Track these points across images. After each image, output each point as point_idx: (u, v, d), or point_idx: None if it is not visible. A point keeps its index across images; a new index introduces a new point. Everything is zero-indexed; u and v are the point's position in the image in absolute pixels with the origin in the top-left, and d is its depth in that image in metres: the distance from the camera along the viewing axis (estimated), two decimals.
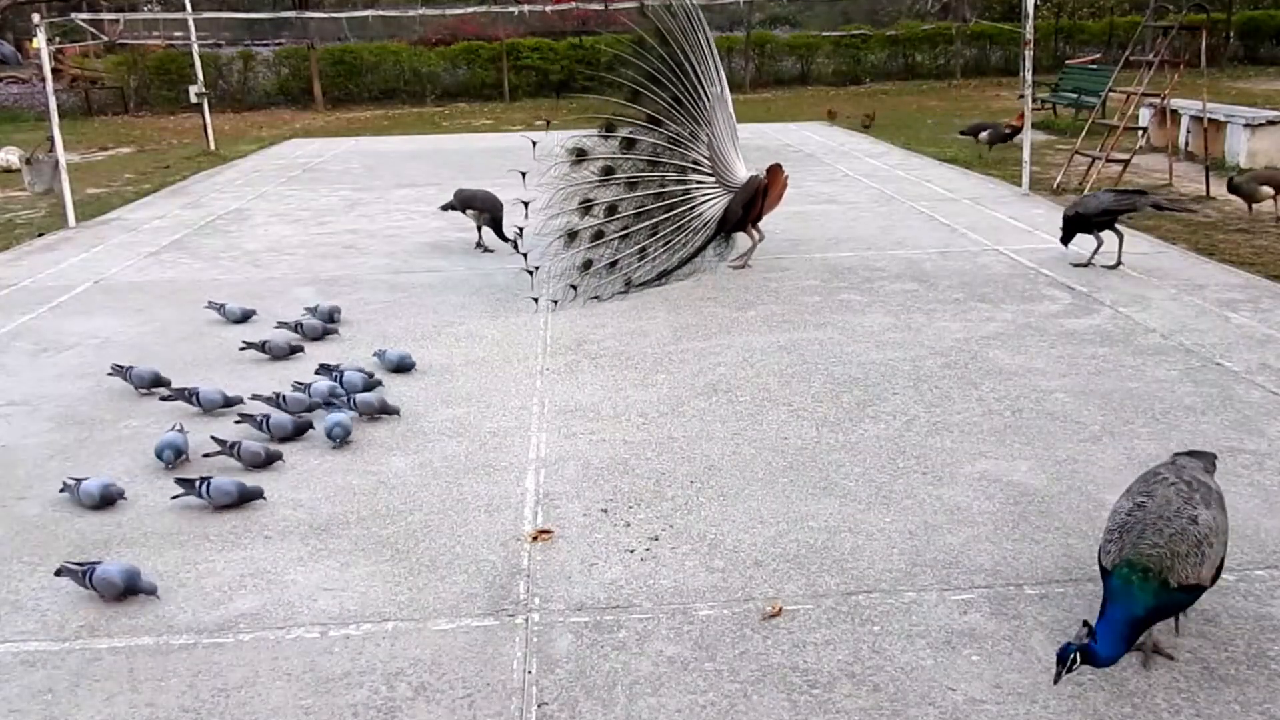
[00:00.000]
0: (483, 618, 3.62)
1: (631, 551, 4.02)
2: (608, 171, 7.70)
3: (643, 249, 7.59)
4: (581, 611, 3.63)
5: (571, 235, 7.51)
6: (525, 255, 7.65)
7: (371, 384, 5.67)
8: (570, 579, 3.84)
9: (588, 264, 7.47)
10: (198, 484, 4.44)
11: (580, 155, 7.67)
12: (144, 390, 5.78)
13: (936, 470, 4.63)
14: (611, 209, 7.60)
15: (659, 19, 7.80)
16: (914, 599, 3.64)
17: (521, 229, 7.31)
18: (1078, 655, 2.99)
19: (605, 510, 4.35)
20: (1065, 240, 8.06)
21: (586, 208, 7.56)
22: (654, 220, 7.64)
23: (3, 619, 3.70)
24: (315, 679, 3.31)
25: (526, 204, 7.29)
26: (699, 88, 7.75)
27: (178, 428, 5.02)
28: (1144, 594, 3.07)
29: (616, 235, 7.58)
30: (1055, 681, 3.04)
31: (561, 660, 3.37)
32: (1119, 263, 7.88)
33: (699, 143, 7.80)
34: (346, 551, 4.09)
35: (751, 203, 8.01)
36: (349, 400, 5.37)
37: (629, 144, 7.79)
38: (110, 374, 5.92)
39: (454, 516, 4.35)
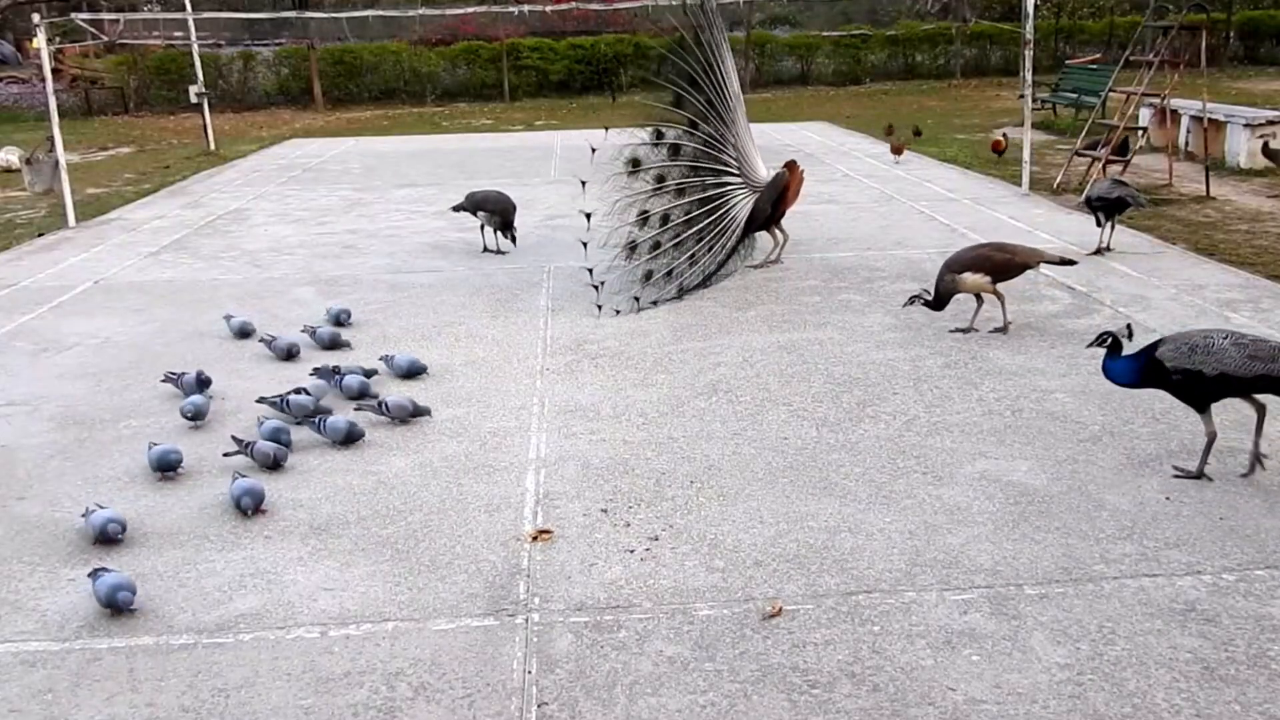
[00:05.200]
0: (483, 618, 3.62)
1: (631, 551, 4.02)
2: (659, 180, 7.73)
3: (692, 254, 7.62)
4: (581, 611, 3.63)
5: (632, 247, 7.52)
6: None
7: (368, 390, 5.67)
8: (570, 579, 3.84)
9: (648, 275, 7.48)
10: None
11: (635, 165, 7.69)
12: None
13: (936, 470, 4.63)
14: (665, 218, 7.62)
15: (695, 18, 7.80)
16: (914, 599, 3.64)
17: (585, 244, 7.34)
18: (1109, 339, 4.51)
19: (605, 510, 4.36)
20: (1098, 223, 8.29)
21: (644, 219, 7.57)
22: (699, 225, 7.67)
23: (3, 619, 3.70)
24: (315, 679, 3.31)
25: (589, 215, 7.30)
26: (725, 88, 7.77)
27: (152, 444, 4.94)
28: (1142, 352, 4.45)
29: (671, 244, 7.59)
30: (1088, 346, 4.71)
31: (561, 660, 3.37)
32: (1100, 249, 8.23)
33: (728, 144, 7.83)
34: (346, 551, 4.09)
35: (779, 200, 8.04)
36: (381, 405, 5.33)
37: (675, 150, 7.82)
38: (164, 381, 5.86)
39: (454, 516, 4.35)
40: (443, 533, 4.21)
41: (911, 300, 6.41)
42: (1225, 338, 4.32)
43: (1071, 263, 6.73)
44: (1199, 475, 4.43)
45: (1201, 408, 4.41)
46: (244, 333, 6.86)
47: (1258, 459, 4.46)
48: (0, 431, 5.43)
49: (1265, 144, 11.67)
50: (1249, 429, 4.93)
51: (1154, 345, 4.45)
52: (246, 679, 3.32)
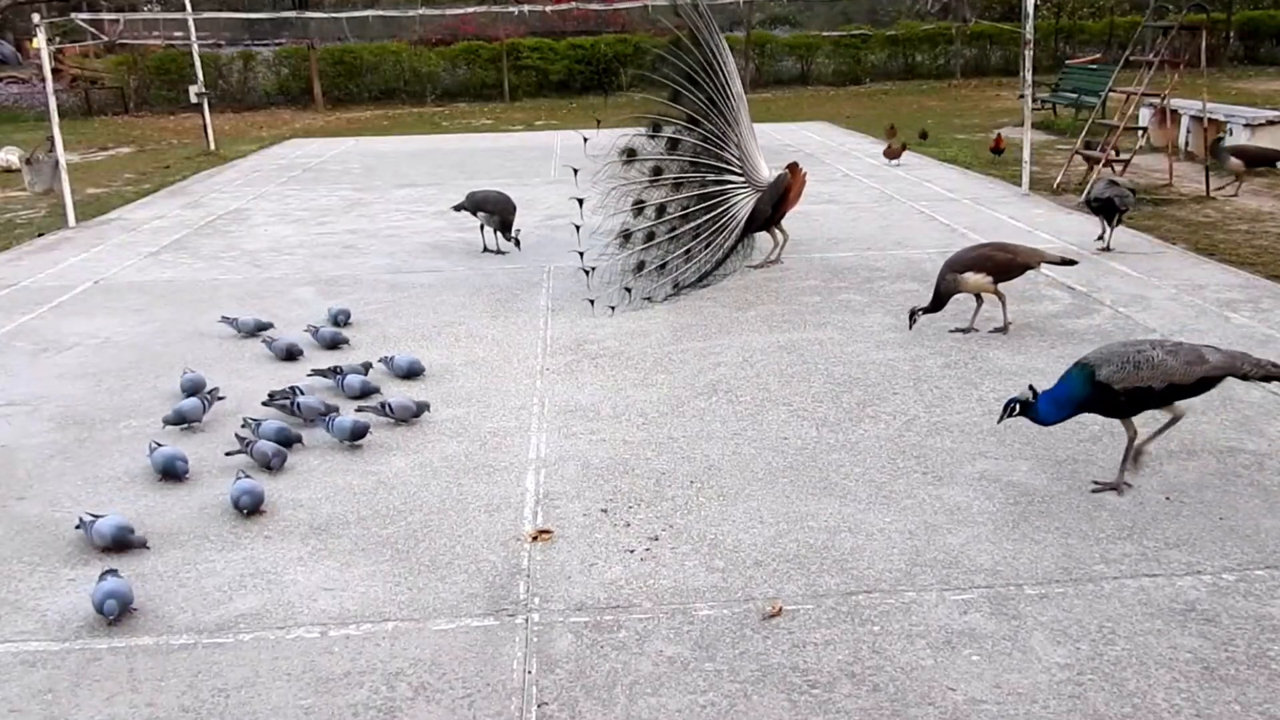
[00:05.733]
0: (483, 618, 3.62)
1: (631, 551, 4.02)
2: (656, 172, 7.72)
3: (688, 250, 7.61)
4: (581, 611, 3.63)
5: (626, 236, 7.50)
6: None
7: (371, 388, 5.69)
8: (570, 579, 3.84)
9: (640, 265, 7.46)
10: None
11: (631, 155, 7.68)
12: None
13: (936, 470, 4.63)
14: (660, 210, 7.61)
15: (690, 19, 7.81)
16: (914, 599, 3.64)
17: (579, 226, 7.30)
18: (1017, 405, 4.32)
19: (605, 510, 4.36)
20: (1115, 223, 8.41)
21: (639, 208, 7.56)
22: (697, 222, 7.66)
23: (3, 619, 3.70)
24: (315, 679, 3.31)
25: (581, 201, 7.20)
26: (727, 87, 7.78)
27: (153, 446, 4.88)
28: (1078, 380, 4.29)
29: (666, 237, 7.58)
30: (999, 421, 4.48)
31: (561, 660, 3.37)
32: (1107, 246, 8.40)
33: (730, 142, 7.83)
34: (346, 551, 4.09)
35: (780, 201, 8.04)
36: (384, 407, 5.30)
37: (673, 144, 7.82)
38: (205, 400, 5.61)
39: (454, 516, 4.35)
40: (443, 533, 4.21)
41: (913, 319, 6.38)
42: (1155, 348, 4.27)
43: (1072, 263, 6.73)
44: (1121, 479, 4.36)
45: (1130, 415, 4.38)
46: (259, 328, 6.82)
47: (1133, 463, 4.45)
48: (0, 431, 5.43)
49: (1218, 140, 11.63)
50: (1248, 428, 4.94)
51: (1085, 372, 4.26)
52: (246, 679, 3.32)
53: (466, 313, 7.34)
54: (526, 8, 26.68)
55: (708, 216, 7.70)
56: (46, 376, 6.24)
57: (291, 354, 6.35)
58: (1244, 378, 4.32)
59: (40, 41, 11.29)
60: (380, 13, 26.90)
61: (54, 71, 13.27)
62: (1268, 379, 4.32)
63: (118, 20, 19.09)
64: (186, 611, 3.70)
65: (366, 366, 5.90)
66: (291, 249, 9.62)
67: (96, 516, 4.19)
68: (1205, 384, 4.30)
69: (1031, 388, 4.37)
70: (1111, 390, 4.23)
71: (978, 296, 6.53)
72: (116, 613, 3.60)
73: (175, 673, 3.37)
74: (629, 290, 7.30)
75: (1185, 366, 4.22)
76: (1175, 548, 3.92)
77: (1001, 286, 6.47)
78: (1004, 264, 6.42)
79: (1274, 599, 3.57)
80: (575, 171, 7.21)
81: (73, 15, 18.44)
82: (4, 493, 4.71)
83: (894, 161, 13.34)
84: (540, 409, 5.50)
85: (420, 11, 25.09)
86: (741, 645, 3.41)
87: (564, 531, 4.19)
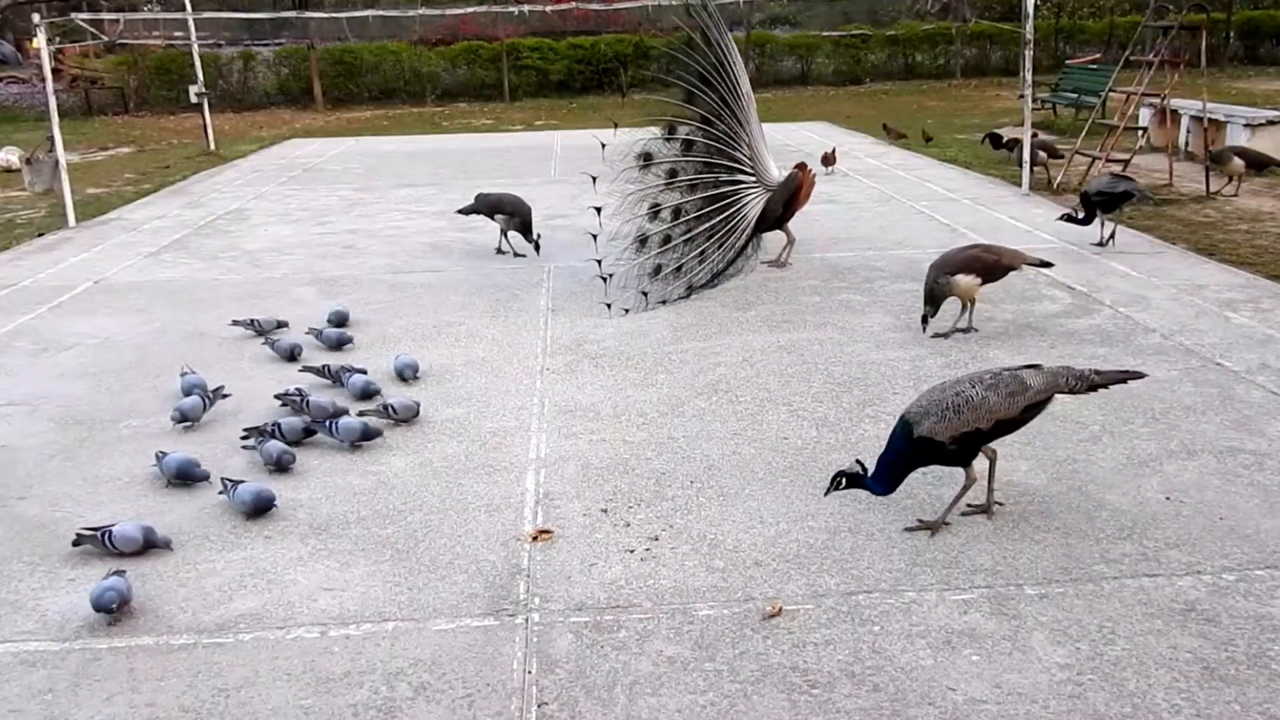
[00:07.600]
0: (483, 618, 3.62)
1: (631, 551, 4.02)
2: (672, 174, 7.71)
3: (702, 251, 7.61)
4: (581, 611, 3.63)
5: (642, 240, 7.50)
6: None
7: (374, 389, 5.68)
8: (570, 579, 3.84)
9: (657, 269, 7.46)
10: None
11: (647, 159, 7.67)
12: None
13: (936, 470, 4.61)
14: (676, 212, 7.61)
15: (701, 19, 7.81)
16: (914, 599, 3.64)
17: (595, 235, 7.32)
18: (843, 479, 4.03)
19: (605, 510, 4.36)
20: (1086, 220, 8.33)
21: (655, 212, 7.56)
22: (711, 222, 7.65)
23: (3, 619, 3.70)
24: (315, 679, 3.31)
25: (599, 209, 7.22)
26: (738, 87, 7.77)
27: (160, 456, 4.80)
28: (901, 440, 4.05)
29: (682, 239, 7.57)
30: (825, 495, 4.13)
31: (561, 660, 3.37)
32: (1104, 242, 8.48)
33: (741, 142, 7.82)
34: (346, 551, 4.09)
35: (791, 200, 8.04)
36: (387, 409, 5.29)
37: (687, 146, 7.81)
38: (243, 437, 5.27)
39: (454, 516, 4.35)
40: (443, 533, 4.21)
41: (925, 322, 6.41)
42: (974, 385, 4.01)
43: (1049, 265, 6.75)
44: (942, 519, 4.13)
45: (968, 461, 4.15)
46: (279, 326, 6.85)
47: (992, 502, 4.23)
48: (0, 431, 5.43)
49: (1207, 144, 11.61)
50: (1248, 428, 4.94)
51: (905, 429, 4.02)
52: (246, 679, 3.32)
53: (466, 313, 7.34)
54: (526, 8, 26.68)
55: (721, 217, 7.69)
56: (46, 376, 6.24)
57: (294, 354, 6.34)
58: (1071, 392, 4.16)
59: (40, 41, 11.28)
60: (380, 13, 26.90)
61: (54, 71, 13.26)
62: (1094, 388, 4.16)
63: (118, 20, 19.08)
64: (186, 611, 3.71)
65: (362, 372, 5.87)
66: (291, 249, 9.62)
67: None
68: (1032, 411, 4.10)
69: (859, 462, 4.06)
70: (933, 442, 3.98)
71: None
72: (115, 603, 3.58)
73: (175, 673, 3.37)
74: (645, 294, 7.29)
75: (1008, 400, 4.00)
76: (1175, 548, 3.92)
77: (1000, 286, 6.47)
78: (991, 265, 6.47)
79: (1274, 599, 3.57)
80: (594, 179, 7.23)
81: (73, 15, 18.42)
82: (4, 493, 4.71)
83: (828, 169, 12.69)
84: (540, 409, 5.50)
85: (420, 11, 25.10)
86: (741, 645, 3.41)
87: (564, 531, 4.19)
